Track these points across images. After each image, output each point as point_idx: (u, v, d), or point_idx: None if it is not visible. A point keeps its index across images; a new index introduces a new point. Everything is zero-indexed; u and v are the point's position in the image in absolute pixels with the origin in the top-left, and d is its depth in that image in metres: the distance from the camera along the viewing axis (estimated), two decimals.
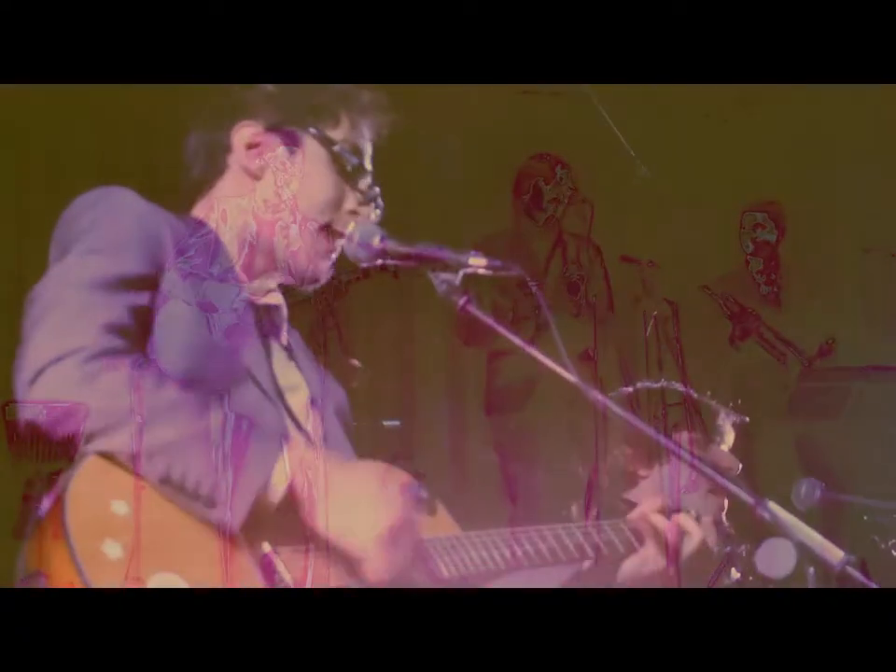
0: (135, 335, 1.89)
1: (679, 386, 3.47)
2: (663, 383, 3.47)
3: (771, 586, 2.84)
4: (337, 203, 2.13)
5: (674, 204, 5.62)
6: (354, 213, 2.15)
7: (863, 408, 5.50)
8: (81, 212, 1.99)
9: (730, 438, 3.42)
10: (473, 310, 2.01)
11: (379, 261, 2.09)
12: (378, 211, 2.16)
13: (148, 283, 1.94)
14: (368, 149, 2.18)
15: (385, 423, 5.14)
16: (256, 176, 2.12)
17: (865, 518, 3.15)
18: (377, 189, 2.17)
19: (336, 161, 2.12)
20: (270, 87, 2.15)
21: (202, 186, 2.16)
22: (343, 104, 2.17)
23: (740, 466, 3.29)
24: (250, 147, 2.12)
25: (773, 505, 2.03)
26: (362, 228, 2.09)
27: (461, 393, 5.50)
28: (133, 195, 2.02)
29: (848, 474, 5.63)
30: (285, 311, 2.19)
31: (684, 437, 3.24)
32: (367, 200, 2.15)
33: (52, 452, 1.85)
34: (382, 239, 2.07)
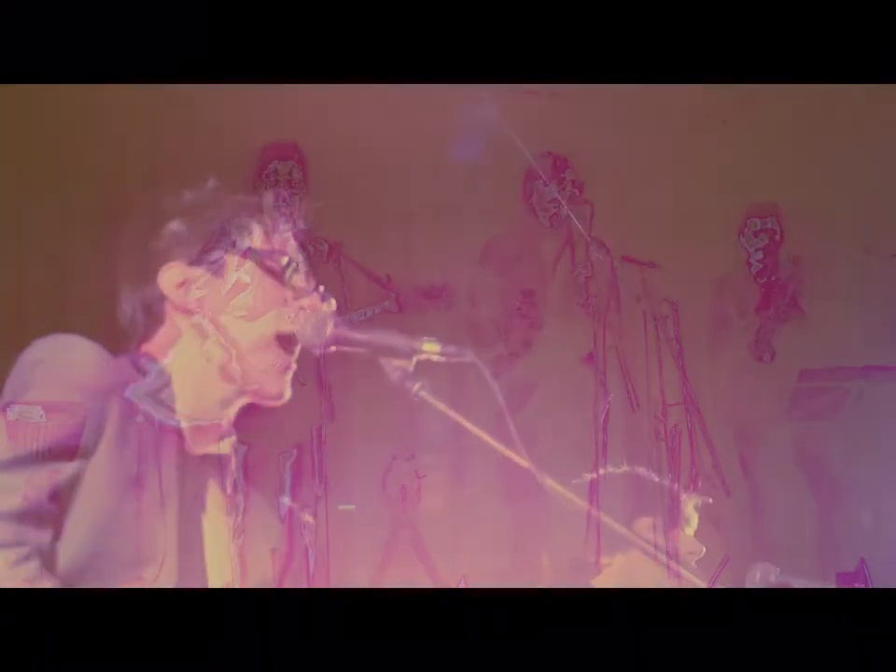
0: (49, 515, 1.84)
1: (643, 471, 3.49)
2: (625, 468, 3.49)
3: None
4: (282, 304, 2.08)
5: (674, 204, 5.61)
6: (302, 308, 2.10)
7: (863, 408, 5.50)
8: (36, 362, 1.94)
9: (694, 521, 3.44)
10: (427, 397, 2.01)
11: (332, 348, 2.07)
12: (331, 301, 2.11)
13: (80, 453, 1.88)
14: (290, 244, 2.13)
15: (341, 507, 5.16)
16: (192, 312, 2.07)
17: None
18: (313, 281, 2.13)
19: (264, 267, 2.08)
20: (174, 225, 2.08)
21: (146, 338, 2.10)
22: (248, 212, 2.12)
23: (704, 549, 3.31)
24: (180, 286, 2.08)
25: None
26: (315, 316, 2.08)
27: (462, 392, 5.48)
28: (89, 351, 1.97)
29: (847, 475, 5.63)
30: (233, 463, 2.09)
31: (646, 523, 3.27)
32: (308, 292, 2.11)
33: (52, 452, 1.85)
34: (335, 326, 2.07)
